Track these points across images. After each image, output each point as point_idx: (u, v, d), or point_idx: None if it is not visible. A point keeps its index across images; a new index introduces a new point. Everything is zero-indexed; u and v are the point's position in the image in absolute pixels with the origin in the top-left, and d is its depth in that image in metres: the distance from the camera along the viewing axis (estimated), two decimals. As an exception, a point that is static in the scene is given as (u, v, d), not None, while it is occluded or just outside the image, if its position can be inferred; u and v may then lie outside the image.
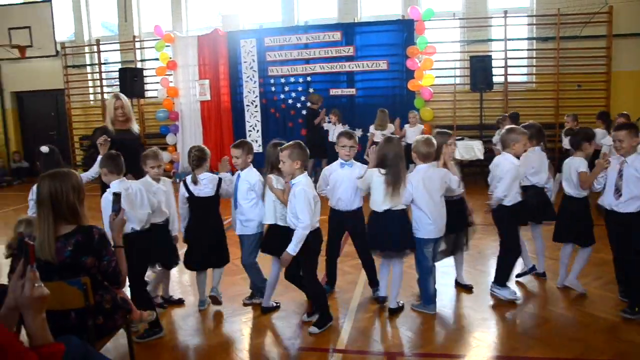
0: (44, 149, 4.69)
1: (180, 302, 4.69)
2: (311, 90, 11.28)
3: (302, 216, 3.77)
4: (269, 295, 4.38)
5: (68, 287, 2.70)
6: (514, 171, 4.35)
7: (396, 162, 4.08)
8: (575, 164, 4.42)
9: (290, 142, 3.94)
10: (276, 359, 3.65)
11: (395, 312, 4.28)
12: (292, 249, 3.79)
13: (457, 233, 4.57)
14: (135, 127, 5.18)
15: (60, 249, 2.70)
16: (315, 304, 4.14)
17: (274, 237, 4.17)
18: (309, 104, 10.57)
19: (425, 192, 4.13)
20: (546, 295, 4.64)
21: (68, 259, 2.72)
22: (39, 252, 2.64)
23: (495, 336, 3.90)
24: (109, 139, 4.75)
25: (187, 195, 4.32)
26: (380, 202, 4.13)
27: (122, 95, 5.20)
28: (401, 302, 4.41)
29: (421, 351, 3.70)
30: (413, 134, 9.16)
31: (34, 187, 3.87)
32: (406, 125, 10.00)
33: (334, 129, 9.87)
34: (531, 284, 4.90)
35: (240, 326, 4.21)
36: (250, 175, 4.31)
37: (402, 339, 3.88)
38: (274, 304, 4.44)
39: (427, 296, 4.31)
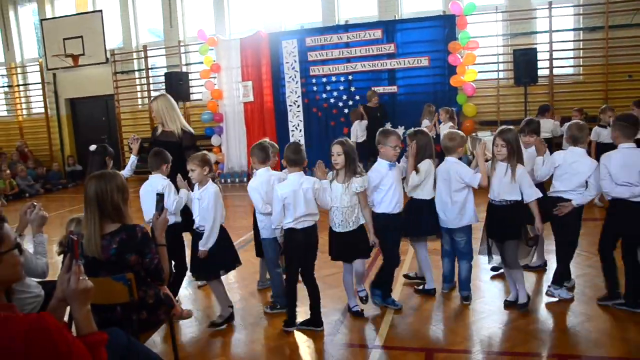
0: (92, 147, 4.99)
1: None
2: (352, 88, 11.33)
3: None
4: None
5: (114, 283, 2.85)
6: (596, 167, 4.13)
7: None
8: None
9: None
10: (319, 354, 3.73)
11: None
12: None
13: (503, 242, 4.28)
14: (177, 129, 5.06)
15: (105, 246, 2.87)
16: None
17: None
18: (369, 103, 10.38)
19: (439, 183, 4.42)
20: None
21: (113, 256, 2.88)
22: (86, 249, 2.81)
23: (535, 334, 3.87)
24: (137, 138, 5.11)
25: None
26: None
27: (158, 98, 5.23)
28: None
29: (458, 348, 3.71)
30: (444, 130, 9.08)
31: None
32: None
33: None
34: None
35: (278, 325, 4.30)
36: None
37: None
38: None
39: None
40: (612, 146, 4.29)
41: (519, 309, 4.18)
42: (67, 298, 1.95)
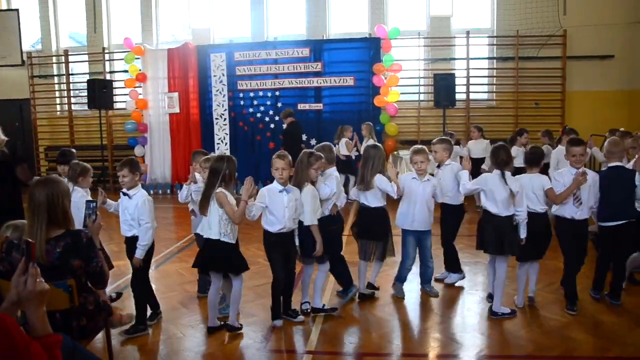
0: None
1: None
2: (279, 104, 11.51)
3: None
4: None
5: (54, 289, 2.80)
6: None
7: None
8: (541, 181, 4.62)
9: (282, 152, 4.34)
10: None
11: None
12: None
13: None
14: None
15: (49, 251, 2.85)
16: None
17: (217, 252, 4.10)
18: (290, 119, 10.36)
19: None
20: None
21: (57, 260, 2.87)
22: None
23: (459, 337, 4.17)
24: None
25: None
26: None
27: None
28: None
29: (385, 351, 3.93)
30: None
31: None
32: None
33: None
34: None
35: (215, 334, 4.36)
36: None
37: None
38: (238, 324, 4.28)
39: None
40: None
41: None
42: (22, 300, 1.96)
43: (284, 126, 10.42)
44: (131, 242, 4.15)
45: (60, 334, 2.33)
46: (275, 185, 4.25)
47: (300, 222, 4.37)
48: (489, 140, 9.26)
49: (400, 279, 5.07)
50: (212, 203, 3.98)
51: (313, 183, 4.45)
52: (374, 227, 4.86)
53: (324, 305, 4.66)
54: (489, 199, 4.50)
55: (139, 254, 4.05)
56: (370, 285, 5.07)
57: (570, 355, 3.81)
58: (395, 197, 4.79)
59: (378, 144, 5.30)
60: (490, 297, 4.71)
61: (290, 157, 4.28)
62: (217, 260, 4.08)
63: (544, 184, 4.60)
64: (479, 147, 9.25)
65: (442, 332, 4.26)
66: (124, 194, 4.17)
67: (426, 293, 5.08)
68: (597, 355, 3.79)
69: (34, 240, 2.73)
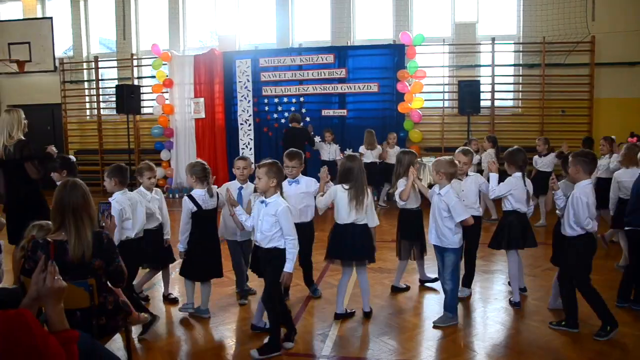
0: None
1: (175, 301, 5.06)
2: (304, 110, 11.59)
3: (292, 233, 3.84)
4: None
5: (75, 288, 2.91)
6: None
7: (359, 177, 4.42)
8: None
9: (269, 160, 3.94)
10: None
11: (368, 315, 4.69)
12: (289, 267, 3.80)
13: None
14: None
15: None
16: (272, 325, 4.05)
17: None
18: (292, 125, 10.47)
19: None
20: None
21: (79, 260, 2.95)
22: (73, 253, 2.91)
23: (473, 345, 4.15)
24: None
25: (195, 209, 4.46)
26: (345, 216, 4.44)
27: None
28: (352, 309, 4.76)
29: (400, 358, 3.93)
30: (392, 154, 9.58)
31: None
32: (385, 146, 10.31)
33: (328, 148, 10.18)
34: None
35: (230, 333, 4.41)
36: None
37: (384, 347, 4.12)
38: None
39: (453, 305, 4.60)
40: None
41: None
42: (41, 296, 2.04)
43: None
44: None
45: (79, 331, 2.42)
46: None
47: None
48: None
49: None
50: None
51: None
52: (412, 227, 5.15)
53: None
54: (517, 200, 4.80)
55: None
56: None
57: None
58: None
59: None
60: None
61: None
62: None
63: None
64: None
65: (460, 340, 4.24)
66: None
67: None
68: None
69: (80, 240, 2.86)
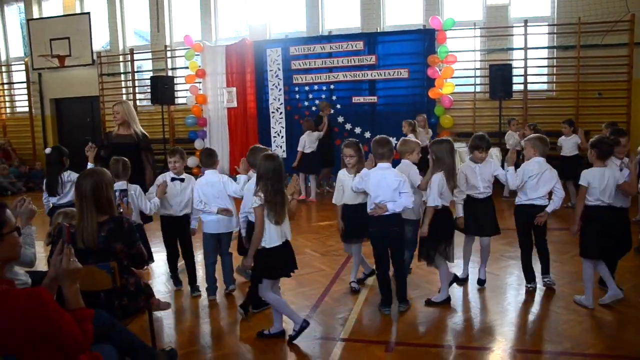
0: (47, 150, 5.62)
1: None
2: (334, 97, 11.63)
3: None
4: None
5: (98, 271, 3.09)
6: None
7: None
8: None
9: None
10: (285, 346, 3.98)
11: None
12: None
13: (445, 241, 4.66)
14: (137, 131, 5.77)
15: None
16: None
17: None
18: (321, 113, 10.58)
19: None
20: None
21: (101, 244, 3.14)
22: (81, 238, 3.09)
23: (492, 330, 4.17)
24: (93, 146, 5.54)
25: None
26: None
27: (124, 102, 5.99)
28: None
29: (417, 342, 3.99)
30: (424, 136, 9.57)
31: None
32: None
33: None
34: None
35: (239, 317, 4.53)
36: None
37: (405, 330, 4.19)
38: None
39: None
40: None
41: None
42: (58, 277, 2.20)
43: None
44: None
45: (97, 311, 2.58)
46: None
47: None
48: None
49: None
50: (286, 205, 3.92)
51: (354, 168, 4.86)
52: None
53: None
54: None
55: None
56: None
57: (610, 354, 3.72)
58: None
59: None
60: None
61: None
62: (294, 260, 4.08)
63: (618, 178, 4.43)
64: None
65: (477, 325, 4.27)
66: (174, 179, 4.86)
67: None
68: (637, 356, 3.68)
69: (86, 226, 3.04)
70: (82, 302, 2.21)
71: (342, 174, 4.91)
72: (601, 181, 4.36)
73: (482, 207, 4.89)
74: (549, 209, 4.68)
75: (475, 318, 4.40)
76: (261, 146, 4.76)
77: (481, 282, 5.04)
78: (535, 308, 4.59)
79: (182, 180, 4.91)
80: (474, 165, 4.84)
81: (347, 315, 4.48)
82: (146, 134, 5.89)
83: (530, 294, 4.83)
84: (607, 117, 9.95)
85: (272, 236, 3.80)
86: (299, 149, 10.09)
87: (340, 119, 11.55)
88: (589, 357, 3.66)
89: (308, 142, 10.07)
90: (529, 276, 4.89)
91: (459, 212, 4.88)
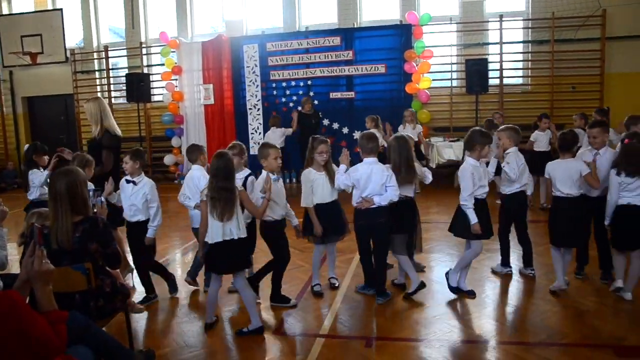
0: (26, 146, 5.61)
1: None
2: (311, 93, 11.60)
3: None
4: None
5: (73, 272, 3.04)
6: None
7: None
8: (577, 166, 4.57)
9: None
10: (265, 343, 3.97)
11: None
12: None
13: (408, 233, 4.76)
14: (101, 130, 5.51)
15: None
16: None
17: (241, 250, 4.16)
18: (303, 110, 10.67)
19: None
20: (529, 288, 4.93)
21: (76, 244, 3.09)
22: (54, 239, 3.04)
23: (471, 323, 4.21)
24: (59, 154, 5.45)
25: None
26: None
27: (90, 101, 5.73)
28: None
29: (397, 336, 4.01)
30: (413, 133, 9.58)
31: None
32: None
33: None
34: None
35: (231, 315, 4.52)
36: None
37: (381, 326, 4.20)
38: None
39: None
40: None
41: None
42: (30, 279, 2.15)
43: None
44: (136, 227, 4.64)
45: (71, 312, 2.53)
46: (271, 176, 4.37)
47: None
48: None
49: None
50: (237, 203, 3.93)
51: (325, 167, 4.68)
52: None
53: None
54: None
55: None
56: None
57: (585, 343, 3.78)
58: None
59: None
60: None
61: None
62: (243, 259, 4.13)
63: (581, 170, 4.54)
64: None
65: (456, 318, 4.31)
66: (129, 181, 4.63)
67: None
68: (613, 344, 3.74)
69: (61, 227, 2.99)
70: (55, 304, 2.17)
71: (312, 173, 4.67)
72: (563, 173, 4.55)
73: (486, 207, 4.71)
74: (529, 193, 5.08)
75: (453, 311, 4.44)
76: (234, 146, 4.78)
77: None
78: (512, 300, 4.65)
79: (135, 183, 4.63)
80: (478, 163, 4.59)
81: (326, 311, 4.48)
82: (112, 132, 5.56)
83: (507, 285, 4.89)
84: (580, 110, 10.09)
85: (213, 232, 3.89)
86: None
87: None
88: (564, 347, 3.71)
89: (272, 138, 10.00)
90: (507, 260, 5.16)
91: (473, 218, 4.44)
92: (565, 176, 4.55)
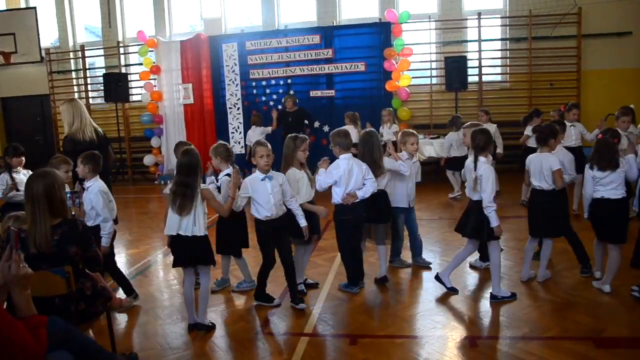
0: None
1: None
2: (291, 92, 11.56)
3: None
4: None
5: (52, 276, 2.97)
6: None
7: None
8: (549, 161, 4.67)
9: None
10: (250, 343, 3.94)
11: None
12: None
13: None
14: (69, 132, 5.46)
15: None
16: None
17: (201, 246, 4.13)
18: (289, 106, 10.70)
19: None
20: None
21: (55, 248, 3.02)
22: (33, 243, 2.97)
23: (453, 319, 4.23)
24: None
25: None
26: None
27: (64, 103, 5.64)
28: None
29: (381, 333, 4.01)
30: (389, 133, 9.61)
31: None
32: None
33: None
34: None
35: (215, 315, 4.49)
36: None
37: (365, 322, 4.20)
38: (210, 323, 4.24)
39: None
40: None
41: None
42: (8, 284, 2.10)
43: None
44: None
45: (51, 317, 2.48)
46: (257, 175, 4.37)
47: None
48: (496, 124, 9.10)
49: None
50: (197, 200, 3.95)
51: (303, 165, 4.68)
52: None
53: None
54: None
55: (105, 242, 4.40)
56: None
57: (566, 335, 3.83)
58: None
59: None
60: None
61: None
62: (201, 254, 4.08)
63: (551, 164, 4.65)
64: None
65: (438, 313, 4.33)
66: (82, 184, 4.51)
67: (419, 265, 5.43)
68: (592, 336, 3.80)
69: (39, 230, 2.92)
70: (34, 309, 2.12)
71: (296, 172, 4.62)
72: (535, 166, 4.74)
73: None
74: None
75: (435, 307, 4.46)
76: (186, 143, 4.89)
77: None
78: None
79: (84, 188, 4.43)
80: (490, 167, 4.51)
81: (310, 310, 4.47)
82: (76, 137, 5.41)
83: (487, 280, 4.92)
84: (559, 107, 10.23)
85: (170, 225, 4.02)
86: (247, 143, 10.28)
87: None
88: (546, 340, 3.75)
89: (252, 137, 10.12)
90: (485, 255, 5.18)
91: (495, 220, 4.34)
92: (537, 170, 4.74)
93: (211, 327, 4.14)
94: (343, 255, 4.88)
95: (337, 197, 4.62)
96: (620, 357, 3.49)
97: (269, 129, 10.39)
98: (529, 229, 4.91)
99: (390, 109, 10.45)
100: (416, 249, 5.50)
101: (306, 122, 10.30)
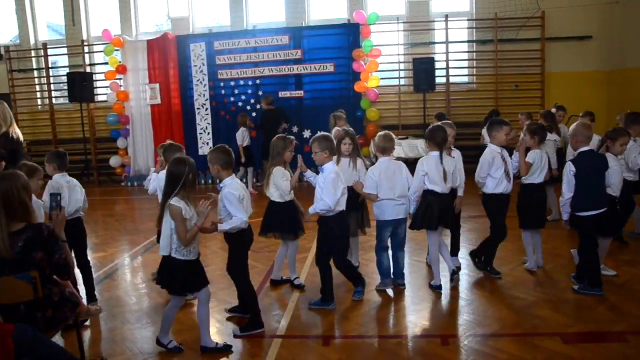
0: None
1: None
2: (260, 92, 11.50)
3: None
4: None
5: (17, 282, 2.87)
6: None
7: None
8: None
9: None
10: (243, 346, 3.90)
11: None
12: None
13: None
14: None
15: (11, 244, 2.89)
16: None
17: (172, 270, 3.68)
18: (265, 106, 10.69)
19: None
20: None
21: (19, 254, 2.90)
22: None
23: (426, 318, 4.27)
24: None
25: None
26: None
27: None
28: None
29: (354, 334, 4.02)
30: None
31: None
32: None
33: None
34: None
35: (190, 316, 4.42)
36: None
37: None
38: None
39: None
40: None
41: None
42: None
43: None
44: None
45: (17, 325, 2.40)
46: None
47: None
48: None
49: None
50: (165, 214, 3.60)
51: (286, 164, 4.73)
52: None
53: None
54: (430, 182, 4.66)
55: None
56: None
57: (535, 332, 3.90)
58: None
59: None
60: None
61: None
62: (172, 280, 3.65)
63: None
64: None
65: (410, 314, 4.36)
66: None
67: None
68: (560, 332, 3.88)
69: None
70: (-1, 318, 2.04)
71: (284, 171, 4.70)
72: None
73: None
74: None
75: (407, 307, 4.50)
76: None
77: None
78: (464, 294, 4.73)
79: None
80: None
81: (282, 311, 4.45)
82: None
83: (460, 279, 4.99)
84: (524, 108, 10.44)
85: None
86: (238, 143, 10.19)
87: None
88: (516, 337, 3.82)
89: (240, 137, 10.24)
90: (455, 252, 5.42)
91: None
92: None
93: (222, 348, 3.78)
94: (338, 264, 4.57)
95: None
96: (587, 351, 3.57)
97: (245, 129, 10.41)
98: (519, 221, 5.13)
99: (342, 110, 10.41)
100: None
101: (283, 123, 10.34)
